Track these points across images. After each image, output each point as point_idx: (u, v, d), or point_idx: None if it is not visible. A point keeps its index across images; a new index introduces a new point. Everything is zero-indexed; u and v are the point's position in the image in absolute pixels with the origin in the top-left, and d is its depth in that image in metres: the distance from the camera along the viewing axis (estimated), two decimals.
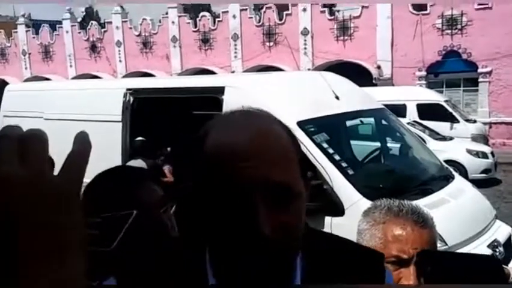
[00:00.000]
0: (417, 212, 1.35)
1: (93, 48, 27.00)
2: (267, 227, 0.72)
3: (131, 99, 5.75)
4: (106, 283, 0.90)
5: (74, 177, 0.54)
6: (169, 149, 6.35)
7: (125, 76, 23.27)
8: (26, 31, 29.09)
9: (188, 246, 0.88)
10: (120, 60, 26.11)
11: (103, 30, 26.89)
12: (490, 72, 17.91)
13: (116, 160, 5.41)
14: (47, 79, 22.23)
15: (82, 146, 0.55)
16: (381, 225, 1.30)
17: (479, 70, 18.03)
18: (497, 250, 4.21)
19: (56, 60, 28.20)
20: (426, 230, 1.32)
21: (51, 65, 28.37)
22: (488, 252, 4.14)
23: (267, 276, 0.75)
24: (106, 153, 5.33)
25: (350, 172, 4.37)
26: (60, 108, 6.07)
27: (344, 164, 4.41)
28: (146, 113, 5.80)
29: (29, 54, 29.08)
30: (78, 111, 5.87)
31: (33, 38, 28.90)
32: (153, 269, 0.86)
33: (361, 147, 6.10)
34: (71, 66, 27.70)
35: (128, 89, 5.80)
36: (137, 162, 5.64)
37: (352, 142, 6.04)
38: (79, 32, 27.38)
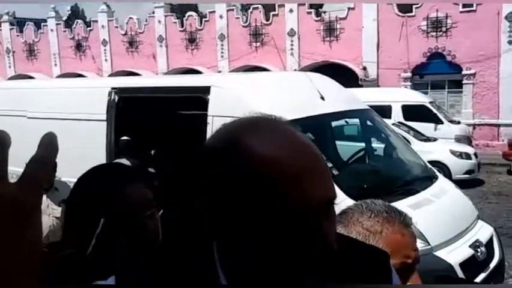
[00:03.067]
0: (404, 213, 1.34)
1: (78, 47, 26.76)
2: (333, 241, 0.71)
3: (116, 98, 5.70)
4: (105, 283, 0.86)
5: (33, 186, 0.50)
6: (152, 151, 6.30)
7: (111, 75, 23.09)
8: (10, 29, 28.73)
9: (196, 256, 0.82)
10: (106, 59, 25.92)
11: (88, 29, 26.68)
12: (474, 74, 18.14)
13: (101, 159, 5.36)
14: (31, 77, 21.99)
15: (46, 150, 0.51)
16: (378, 235, 1.26)
17: (464, 72, 18.25)
18: (479, 250, 4.26)
19: (41, 58, 27.89)
20: (411, 228, 1.33)
21: (35, 63, 28.06)
22: (471, 252, 4.19)
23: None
24: (91, 153, 5.29)
25: (335, 172, 4.39)
26: (44, 107, 6.00)
27: (328, 164, 4.42)
28: (132, 112, 5.75)
29: (13, 52, 28.72)
30: (62, 109, 5.80)
31: (18, 36, 28.55)
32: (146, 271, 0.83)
33: (346, 148, 6.13)
34: (55, 64, 27.42)
35: (113, 88, 5.75)
36: (122, 162, 5.61)
37: (337, 143, 6.07)
38: (64, 31, 27.12)
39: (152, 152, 6.31)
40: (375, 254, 0.94)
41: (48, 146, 0.51)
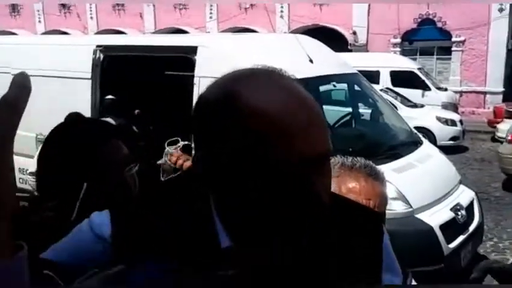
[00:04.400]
0: (369, 165, 1.43)
1: (63, 3, 26.08)
2: (325, 194, 0.71)
3: (101, 56, 5.59)
4: (100, 218, 0.84)
5: (6, 124, 0.49)
6: (137, 111, 6.24)
7: (97, 34, 22.62)
8: None
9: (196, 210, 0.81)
10: (91, 17, 25.32)
11: None
12: (463, 42, 18.09)
13: None
14: (14, 34, 21.45)
15: (17, 90, 0.50)
16: (335, 179, 1.34)
17: (453, 39, 18.19)
18: (460, 213, 4.35)
19: (24, 14, 27.14)
20: (377, 182, 1.40)
21: (18, 19, 27.31)
22: (451, 215, 4.28)
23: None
24: (75, 111, 5.22)
25: None
26: (28, 64, 5.86)
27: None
28: (117, 71, 5.66)
29: None
30: (46, 67, 5.69)
31: None
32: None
33: (333, 112, 6.12)
34: (39, 21, 26.73)
35: (98, 46, 5.64)
36: (107, 120, 5.56)
37: (325, 107, 6.05)
38: None
39: (136, 111, 6.26)
40: (368, 215, 0.95)
41: (20, 86, 0.50)
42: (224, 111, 0.70)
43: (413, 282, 1.45)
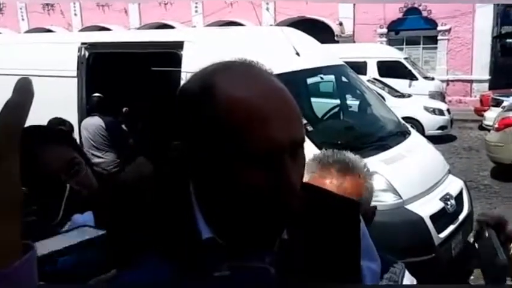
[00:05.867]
0: (342, 160, 1.45)
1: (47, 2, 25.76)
2: (297, 184, 0.72)
3: (87, 53, 5.55)
4: (83, 218, 0.86)
5: (8, 130, 0.51)
6: (125, 108, 6.19)
7: (81, 31, 22.40)
8: None
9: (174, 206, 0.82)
10: (75, 14, 25.05)
11: None
12: (449, 30, 18.18)
13: (72, 117, 5.27)
14: None
15: (20, 95, 0.52)
16: (310, 175, 1.40)
17: (439, 28, 18.27)
18: (449, 203, 4.38)
19: (7, 13, 26.78)
20: (349, 177, 1.41)
21: (1, 18, 26.96)
22: (441, 205, 4.31)
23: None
24: (61, 110, 5.17)
25: (309, 128, 4.40)
26: (12, 63, 5.81)
27: (303, 121, 4.42)
28: (103, 68, 5.62)
29: None
30: (31, 66, 5.61)
31: None
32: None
33: (321, 104, 6.13)
34: (23, 19, 26.40)
35: (83, 43, 5.59)
36: (95, 119, 5.51)
37: (312, 99, 6.06)
38: None
39: (124, 109, 6.21)
40: (344, 203, 0.96)
41: (23, 90, 0.52)
42: (200, 103, 0.73)
43: (406, 274, 1.45)
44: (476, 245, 1.28)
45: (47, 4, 25.61)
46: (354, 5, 19.36)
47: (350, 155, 1.49)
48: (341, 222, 0.90)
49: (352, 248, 0.89)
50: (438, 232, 4.11)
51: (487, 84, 17.55)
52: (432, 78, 15.27)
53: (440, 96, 14.42)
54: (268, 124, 0.70)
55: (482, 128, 12.18)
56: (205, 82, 0.75)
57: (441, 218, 4.23)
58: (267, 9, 20.89)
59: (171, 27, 20.24)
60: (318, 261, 0.84)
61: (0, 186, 0.51)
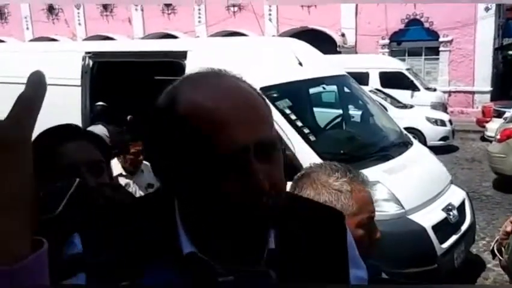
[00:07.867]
0: (361, 172, 1.45)
1: (50, 10, 25.89)
2: (266, 183, 0.72)
3: (91, 62, 5.58)
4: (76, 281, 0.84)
5: (22, 123, 0.51)
6: (129, 116, 6.21)
7: (85, 40, 22.52)
8: None
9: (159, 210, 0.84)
10: (79, 23, 25.20)
11: None
12: (450, 41, 18.23)
13: None
14: (2, 41, 21.30)
15: (33, 88, 0.52)
16: (349, 194, 1.35)
17: (441, 39, 18.32)
18: (451, 213, 4.38)
19: (12, 22, 26.94)
20: (369, 186, 1.44)
21: (6, 27, 27.12)
22: (443, 215, 4.30)
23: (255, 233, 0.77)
24: (65, 118, 5.18)
25: (312, 138, 4.41)
26: (16, 72, 5.83)
27: (306, 130, 4.44)
28: (107, 77, 5.65)
29: None
30: None
31: None
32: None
33: (324, 114, 6.14)
34: (27, 28, 26.56)
35: (87, 52, 5.63)
36: (98, 128, 5.52)
37: (315, 109, 6.08)
38: None
39: (129, 117, 6.23)
40: (330, 214, 0.97)
41: (36, 84, 0.52)
42: (167, 114, 0.75)
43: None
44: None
45: (52, 13, 25.78)
46: (356, 15, 19.46)
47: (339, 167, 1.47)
48: (328, 231, 0.91)
49: (340, 257, 0.91)
50: (441, 242, 4.10)
51: (488, 96, 17.55)
52: (434, 89, 15.30)
53: (442, 107, 14.44)
54: (230, 126, 0.71)
55: (484, 139, 12.17)
56: (171, 93, 0.77)
57: (443, 228, 4.22)
58: (270, 19, 21.00)
59: (174, 37, 20.36)
60: (307, 269, 0.85)
61: (7, 177, 0.49)
